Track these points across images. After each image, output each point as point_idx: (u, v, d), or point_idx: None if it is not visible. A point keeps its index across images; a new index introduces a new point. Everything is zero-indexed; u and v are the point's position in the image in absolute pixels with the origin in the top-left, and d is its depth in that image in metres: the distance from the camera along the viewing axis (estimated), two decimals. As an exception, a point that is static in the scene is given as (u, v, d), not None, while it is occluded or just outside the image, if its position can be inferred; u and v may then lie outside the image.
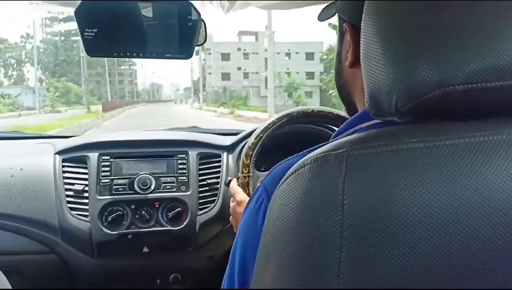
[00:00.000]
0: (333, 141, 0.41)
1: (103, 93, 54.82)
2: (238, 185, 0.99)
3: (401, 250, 0.35)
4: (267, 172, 1.12)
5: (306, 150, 0.47)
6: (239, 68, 41.79)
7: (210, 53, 42.73)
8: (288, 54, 37.89)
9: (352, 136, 0.40)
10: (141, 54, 0.97)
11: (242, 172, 0.99)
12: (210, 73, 42.97)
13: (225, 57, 42.13)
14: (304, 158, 0.41)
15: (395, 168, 0.36)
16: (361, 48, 0.44)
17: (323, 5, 0.75)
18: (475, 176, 0.35)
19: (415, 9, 0.38)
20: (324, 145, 0.41)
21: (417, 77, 0.37)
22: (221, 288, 0.53)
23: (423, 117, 0.39)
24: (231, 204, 0.95)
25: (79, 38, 0.85)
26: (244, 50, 41.33)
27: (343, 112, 1.09)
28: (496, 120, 0.38)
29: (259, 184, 0.95)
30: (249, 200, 0.53)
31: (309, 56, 36.22)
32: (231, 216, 0.96)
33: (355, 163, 0.37)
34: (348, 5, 0.59)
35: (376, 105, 0.42)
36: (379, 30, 0.41)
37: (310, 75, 35.49)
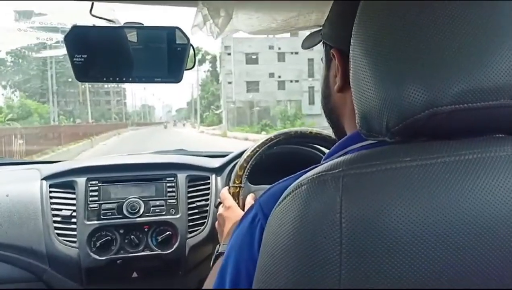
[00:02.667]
0: (326, 162, 0.50)
1: (83, 115, 50.24)
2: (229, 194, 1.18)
3: (399, 265, 0.42)
4: (258, 186, 1.24)
5: (301, 171, 0.56)
6: (271, 75, 33.82)
7: (229, 53, 34.96)
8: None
9: (347, 156, 0.48)
10: (130, 79, 1.11)
11: (234, 182, 1.17)
12: (230, 82, 34.95)
13: (252, 59, 34.04)
14: (301, 178, 0.49)
15: (390, 186, 0.43)
16: (350, 71, 0.54)
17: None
18: (466, 192, 0.43)
19: (402, 33, 0.47)
20: (318, 166, 0.50)
21: (407, 98, 0.45)
22: None
23: (412, 136, 0.48)
24: (220, 209, 1.12)
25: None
26: (279, 48, 33.67)
27: None
28: (482, 138, 0.47)
29: (252, 201, 1.07)
30: (242, 218, 0.62)
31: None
32: (216, 221, 1.12)
33: (352, 182, 0.44)
34: (335, 31, 0.71)
35: (368, 126, 0.50)
36: (368, 53, 0.49)
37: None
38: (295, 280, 0.44)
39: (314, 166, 0.53)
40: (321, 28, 0.78)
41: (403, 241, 0.42)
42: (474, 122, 0.46)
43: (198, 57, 45.81)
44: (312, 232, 0.44)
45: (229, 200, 1.09)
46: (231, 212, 1.04)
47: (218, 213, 1.10)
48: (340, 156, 0.60)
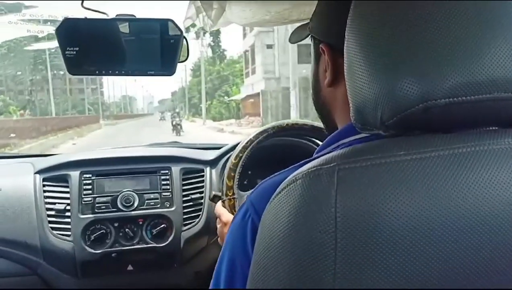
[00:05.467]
0: (319, 156, 0.51)
1: (48, 107, 40.86)
2: (224, 207, 1.16)
3: (393, 259, 0.42)
4: (251, 190, 1.26)
5: (293, 167, 0.57)
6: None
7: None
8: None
9: (341, 151, 0.49)
10: (123, 72, 1.12)
11: (227, 195, 1.16)
12: (270, 46, 22.45)
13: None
14: (295, 172, 0.49)
15: (384, 180, 0.44)
16: (345, 65, 0.54)
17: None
18: (460, 186, 0.43)
19: (396, 27, 0.47)
20: (312, 159, 0.51)
21: (401, 91, 0.45)
22: None
23: (407, 129, 0.48)
24: (218, 226, 1.11)
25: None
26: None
27: (317, 123, 1.27)
28: (476, 131, 0.48)
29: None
30: (235, 216, 0.62)
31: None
32: (219, 238, 1.11)
33: (346, 176, 0.45)
34: (323, 26, 0.71)
35: (362, 119, 0.51)
36: (362, 47, 0.50)
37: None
38: (290, 274, 0.45)
39: (307, 160, 0.54)
40: (309, 21, 0.77)
41: (398, 235, 0.42)
42: (468, 115, 0.47)
43: (194, 29, 32.53)
44: (307, 226, 0.45)
45: (225, 215, 1.08)
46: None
47: (218, 230, 1.09)
48: (333, 149, 0.62)
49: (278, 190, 0.50)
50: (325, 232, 0.43)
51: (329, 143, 0.66)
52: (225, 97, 35.17)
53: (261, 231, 0.51)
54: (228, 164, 1.18)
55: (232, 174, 1.16)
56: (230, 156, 1.21)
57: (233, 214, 1.10)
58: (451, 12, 0.46)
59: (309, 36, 0.76)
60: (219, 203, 1.16)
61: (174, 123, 21.10)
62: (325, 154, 0.54)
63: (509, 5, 0.46)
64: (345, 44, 0.54)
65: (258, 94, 22.24)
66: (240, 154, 1.18)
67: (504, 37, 0.45)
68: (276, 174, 0.61)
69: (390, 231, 0.42)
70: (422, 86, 0.45)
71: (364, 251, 0.43)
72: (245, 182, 1.39)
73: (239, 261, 0.57)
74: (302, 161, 0.56)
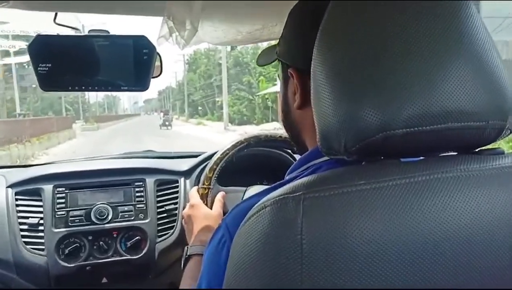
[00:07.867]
0: (289, 182, 0.53)
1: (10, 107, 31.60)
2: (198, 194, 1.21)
3: (355, 282, 0.45)
4: (228, 187, 1.30)
5: (265, 190, 0.61)
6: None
7: None
8: None
9: (307, 178, 0.52)
10: (96, 88, 1.13)
11: (204, 184, 1.22)
12: None
13: None
14: (264, 199, 0.52)
15: (346, 208, 0.47)
16: (311, 92, 0.57)
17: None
18: (414, 213, 0.47)
19: (359, 59, 0.51)
20: (281, 186, 0.53)
21: (363, 121, 0.49)
22: None
23: (369, 155, 0.52)
24: (186, 208, 1.16)
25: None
26: None
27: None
28: (431, 160, 0.52)
29: (221, 199, 1.12)
30: (211, 238, 0.65)
31: None
32: (183, 220, 1.16)
33: (311, 205, 0.48)
34: (291, 50, 0.73)
35: (327, 145, 0.55)
36: (328, 75, 0.54)
37: None
38: None
39: (278, 183, 0.57)
40: (276, 44, 0.79)
41: (358, 260, 0.45)
42: (426, 143, 0.51)
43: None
44: (275, 252, 0.47)
45: (194, 198, 1.14)
46: (195, 210, 1.09)
47: (183, 211, 1.14)
48: (302, 171, 0.66)
49: (248, 215, 0.52)
50: (291, 258, 0.46)
51: (299, 165, 0.70)
52: (246, 92, 25.13)
53: (231, 254, 0.53)
54: (214, 158, 1.23)
55: (215, 166, 1.22)
56: (206, 165, 1.25)
57: (203, 202, 1.16)
58: (406, 48, 0.49)
59: (277, 60, 0.78)
60: (194, 187, 1.22)
61: (164, 118, 13.63)
62: (295, 176, 0.57)
63: (459, 42, 0.50)
64: (311, 71, 0.57)
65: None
66: (227, 151, 1.23)
67: (456, 71, 0.49)
68: (249, 197, 0.64)
69: (351, 256, 0.45)
70: (382, 116, 0.49)
71: (328, 276, 0.45)
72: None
73: (215, 284, 0.60)
74: (273, 185, 0.59)
